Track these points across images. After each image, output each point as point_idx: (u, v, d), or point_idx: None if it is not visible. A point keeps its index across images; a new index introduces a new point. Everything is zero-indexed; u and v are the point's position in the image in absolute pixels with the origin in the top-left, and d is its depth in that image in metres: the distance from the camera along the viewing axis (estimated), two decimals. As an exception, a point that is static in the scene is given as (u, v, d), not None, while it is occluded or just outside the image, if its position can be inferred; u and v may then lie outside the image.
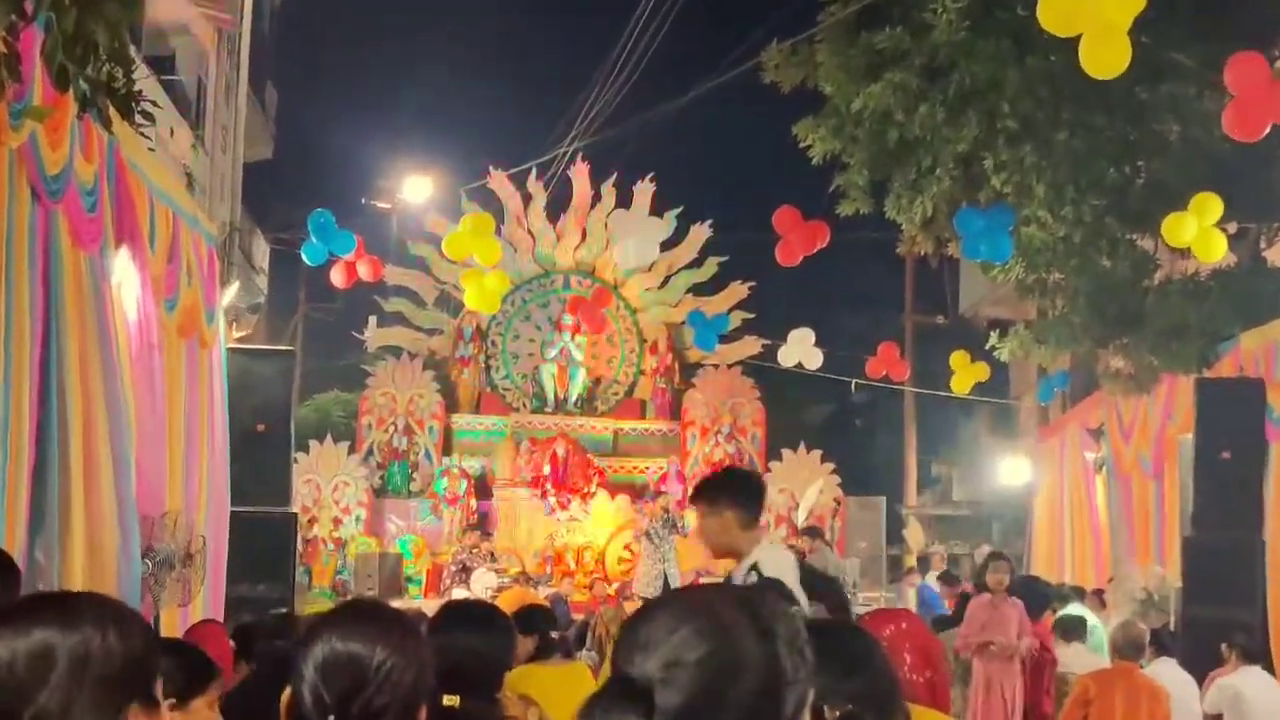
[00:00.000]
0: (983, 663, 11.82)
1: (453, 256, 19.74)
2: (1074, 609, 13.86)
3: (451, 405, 27.87)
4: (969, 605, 12.46)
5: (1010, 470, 29.17)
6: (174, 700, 4.22)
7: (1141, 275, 14.64)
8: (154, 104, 9.23)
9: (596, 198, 28.31)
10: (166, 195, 11.50)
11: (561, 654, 7.85)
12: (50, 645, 2.45)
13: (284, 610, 13.27)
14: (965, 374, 22.26)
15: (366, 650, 3.02)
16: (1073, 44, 9.55)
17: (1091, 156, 13.33)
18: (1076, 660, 11.87)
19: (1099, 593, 16.54)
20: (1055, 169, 13.24)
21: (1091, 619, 13.57)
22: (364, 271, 18.96)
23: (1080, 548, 21.71)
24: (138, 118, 9.30)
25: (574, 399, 27.98)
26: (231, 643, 8.62)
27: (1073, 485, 22.41)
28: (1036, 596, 12.34)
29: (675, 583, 20.31)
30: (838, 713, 3.59)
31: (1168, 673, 10.47)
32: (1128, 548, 18.05)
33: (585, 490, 26.03)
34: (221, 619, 11.67)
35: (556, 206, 28.70)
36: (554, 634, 7.77)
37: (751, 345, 27.89)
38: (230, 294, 18.92)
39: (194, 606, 11.12)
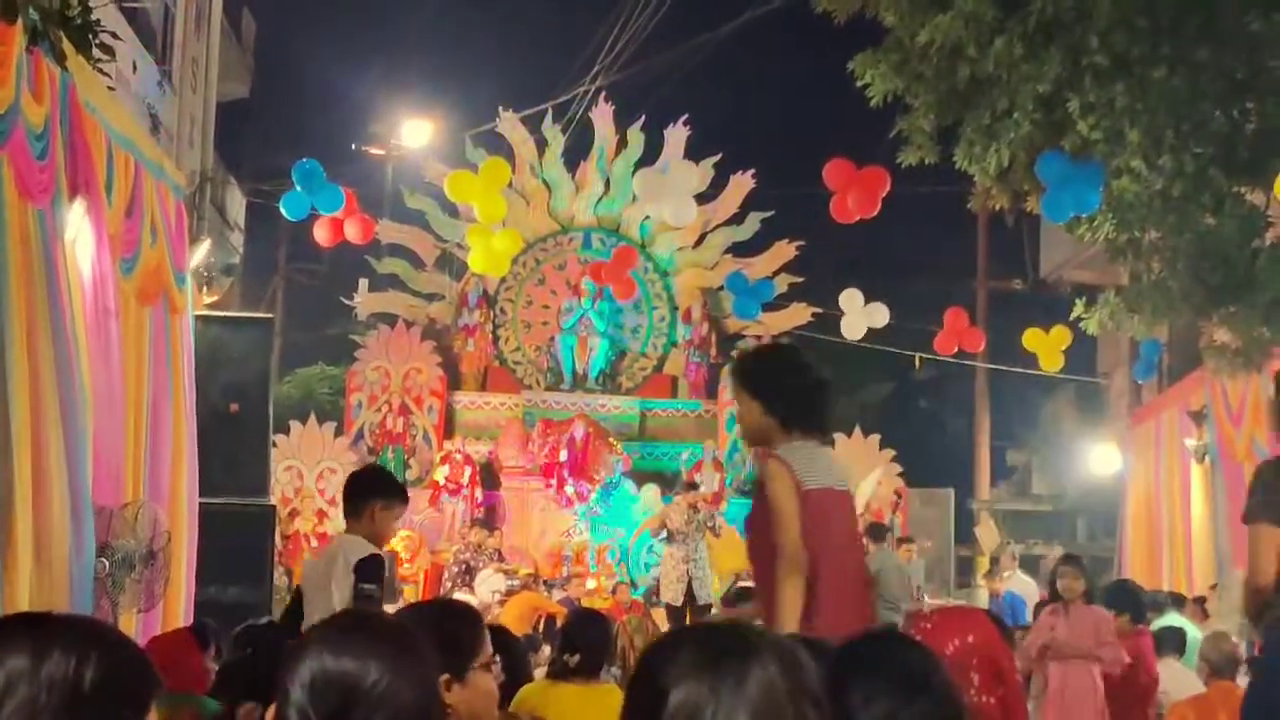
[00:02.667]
0: (1058, 667, 11.79)
1: (453, 197, 19.68)
2: (1172, 619, 13.84)
3: (454, 381, 27.92)
4: (1039, 614, 12.47)
5: (1098, 459, 29.09)
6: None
7: (1251, 234, 14.53)
8: (114, 35, 9.23)
9: (622, 143, 28.30)
10: (128, 140, 11.53)
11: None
12: (17, 672, 2.50)
13: (268, 620, 13.31)
14: (1046, 349, 22.14)
15: (359, 668, 3.04)
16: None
17: (1194, 97, 13.24)
18: (1172, 679, 11.84)
19: (1201, 601, 16.51)
20: (1152, 112, 13.15)
21: (1192, 631, 13.53)
22: (353, 233, 18.95)
23: (1179, 549, 21.66)
24: (95, 51, 9.31)
25: (595, 375, 28.00)
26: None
27: (1170, 476, 22.36)
28: (1130, 604, 12.30)
29: (706, 589, 20.31)
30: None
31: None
32: (1234, 549, 18.00)
33: (607, 480, 26.05)
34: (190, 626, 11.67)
35: (575, 154, 28.72)
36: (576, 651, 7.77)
37: (800, 313, 27.86)
38: (200, 253, 18.97)
39: (157, 612, 11.17)
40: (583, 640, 7.65)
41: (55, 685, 2.50)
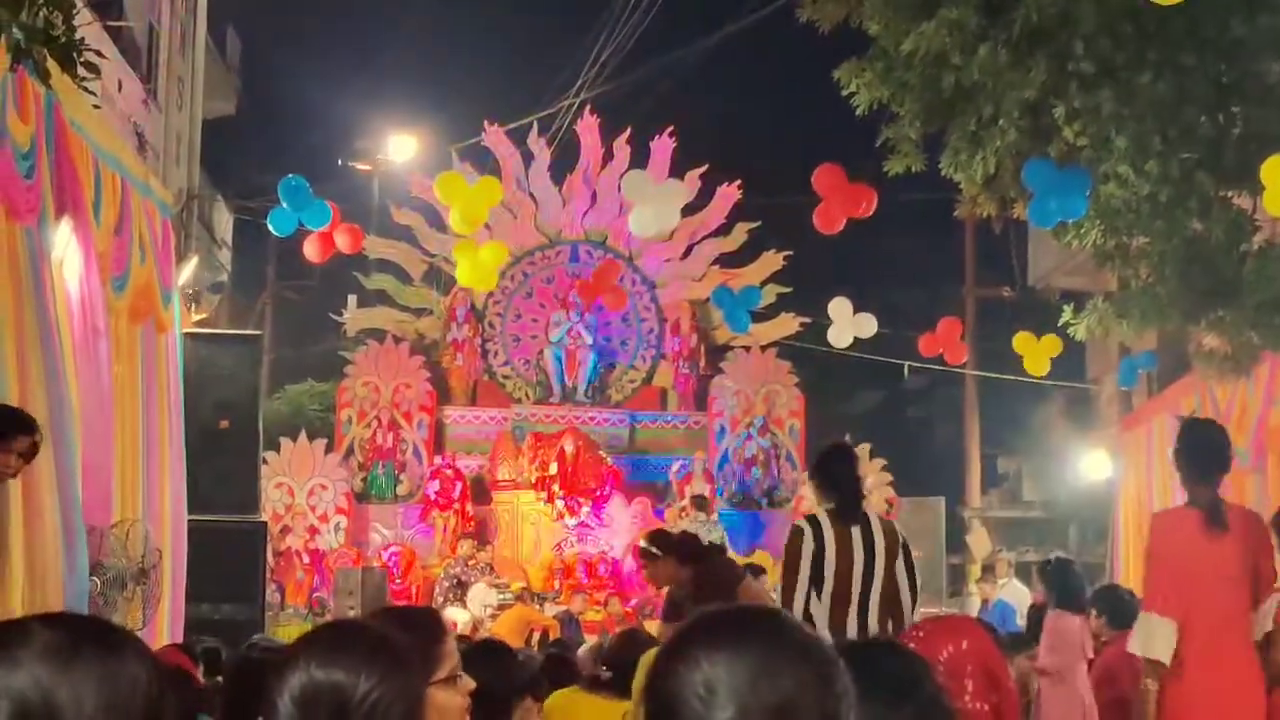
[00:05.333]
0: (1049, 688, 11.84)
1: (441, 197, 19.52)
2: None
3: (443, 396, 27.93)
4: (1045, 622, 12.45)
5: (1089, 465, 29.05)
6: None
7: (1238, 239, 14.49)
8: (99, 54, 9.21)
9: (608, 156, 28.30)
10: (114, 159, 11.53)
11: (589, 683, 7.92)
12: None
13: (255, 638, 13.26)
14: (1035, 354, 22.11)
15: (350, 680, 3.03)
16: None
17: (1179, 103, 13.22)
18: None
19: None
20: (1137, 118, 13.14)
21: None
22: (342, 243, 18.83)
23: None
24: (80, 70, 9.31)
25: (584, 388, 27.98)
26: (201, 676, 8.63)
27: (1162, 482, 22.30)
28: (1109, 607, 12.26)
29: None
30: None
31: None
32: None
33: (598, 492, 26.02)
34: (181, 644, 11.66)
35: (562, 167, 28.72)
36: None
37: (788, 324, 27.88)
38: (188, 271, 18.95)
39: (148, 630, 11.15)
40: (620, 659, 7.68)
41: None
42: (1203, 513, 7.88)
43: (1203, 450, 8.15)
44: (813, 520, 9.24)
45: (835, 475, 9.45)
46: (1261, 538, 8.08)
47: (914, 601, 9.46)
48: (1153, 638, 7.90)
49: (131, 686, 2.42)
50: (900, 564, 9.39)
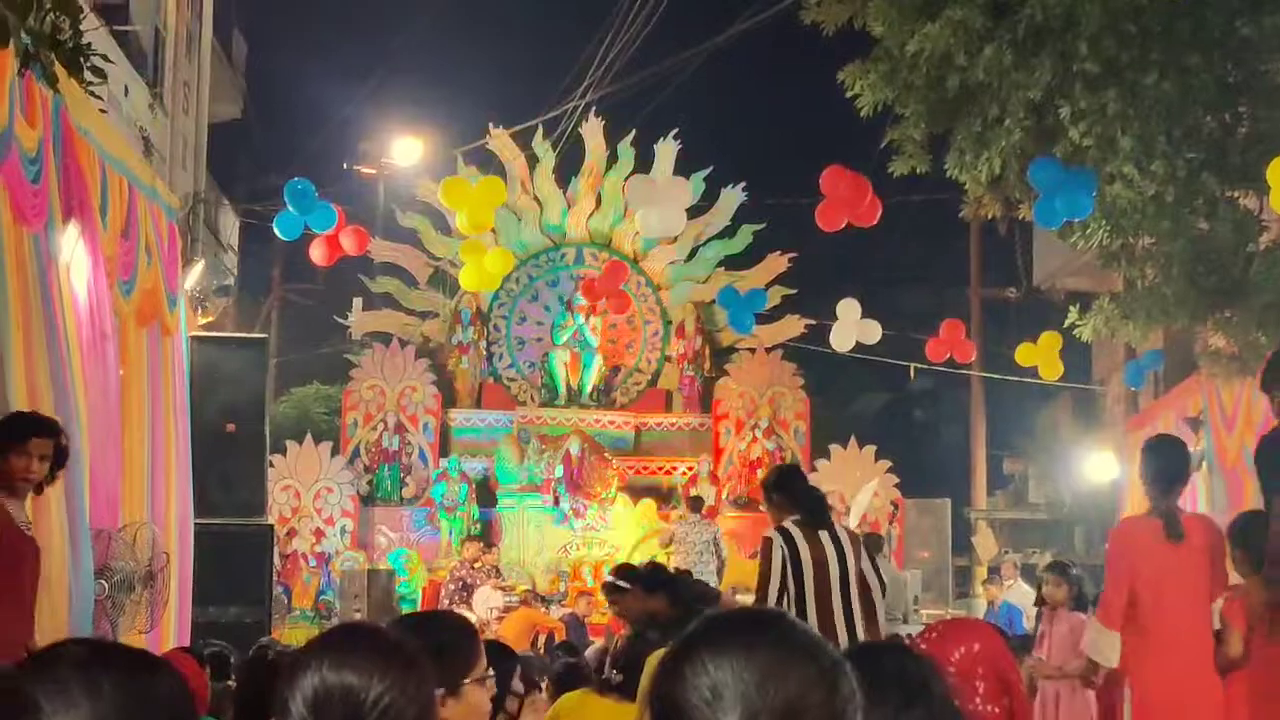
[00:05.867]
0: (1048, 684, 11.81)
1: (446, 202, 19.50)
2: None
3: (449, 399, 27.90)
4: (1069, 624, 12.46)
5: (1095, 466, 29.00)
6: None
7: (1244, 238, 14.48)
8: (105, 58, 9.21)
9: (612, 159, 28.27)
10: (121, 163, 11.52)
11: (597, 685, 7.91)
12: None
13: (263, 640, 13.28)
14: (1043, 360, 22.04)
15: (362, 683, 3.01)
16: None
17: (1185, 103, 13.22)
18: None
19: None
20: (1143, 118, 13.13)
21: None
22: (348, 244, 18.81)
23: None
24: (87, 74, 9.31)
25: (589, 390, 27.96)
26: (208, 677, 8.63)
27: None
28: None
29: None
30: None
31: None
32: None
33: (603, 495, 26.01)
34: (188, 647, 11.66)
35: (567, 169, 28.68)
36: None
37: (793, 325, 27.85)
38: (194, 275, 18.94)
39: (156, 633, 11.15)
40: (631, 661, 7.67)
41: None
42: (1162, 522, 8.51)
43: (1163, 467, 8.81)
44: (782, 530, 9.89)
45: (795, 492, 10.21)
46: (1217, 540, 8.68)
47: (882, 593, 10.16)
48: (1110, 649, 8.57)
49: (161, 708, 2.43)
50: (865, 560, 10.02)
